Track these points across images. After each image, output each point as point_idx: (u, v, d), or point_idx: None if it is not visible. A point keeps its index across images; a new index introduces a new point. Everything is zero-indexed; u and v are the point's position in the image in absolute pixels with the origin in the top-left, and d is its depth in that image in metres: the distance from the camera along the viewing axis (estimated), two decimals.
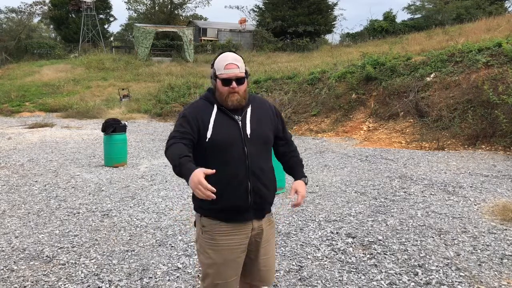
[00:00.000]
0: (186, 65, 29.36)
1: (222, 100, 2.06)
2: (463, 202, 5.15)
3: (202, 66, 28.24)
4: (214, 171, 1.78)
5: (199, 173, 1.72)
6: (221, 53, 2.10)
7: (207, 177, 1.76)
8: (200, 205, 2.08)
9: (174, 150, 1.90)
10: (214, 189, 1.72)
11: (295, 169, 2.27)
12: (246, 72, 2.07)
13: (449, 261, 3.50)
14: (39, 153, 9.25)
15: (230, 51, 2.12)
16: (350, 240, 4.02)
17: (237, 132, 2.03)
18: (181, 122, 2.04)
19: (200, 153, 2.02)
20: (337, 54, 19.57)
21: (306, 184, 2.21)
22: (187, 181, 1.77)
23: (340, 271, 3.38)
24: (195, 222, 2.22)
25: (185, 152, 1.88)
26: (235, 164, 2.00)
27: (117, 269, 3.49)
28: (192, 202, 2.22)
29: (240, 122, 2.05)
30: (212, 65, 2.10)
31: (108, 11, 44.45)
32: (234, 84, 2.01)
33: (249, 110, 2.09)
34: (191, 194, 2.16)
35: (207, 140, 1.99)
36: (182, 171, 1.82)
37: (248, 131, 2.04)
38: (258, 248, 2.14)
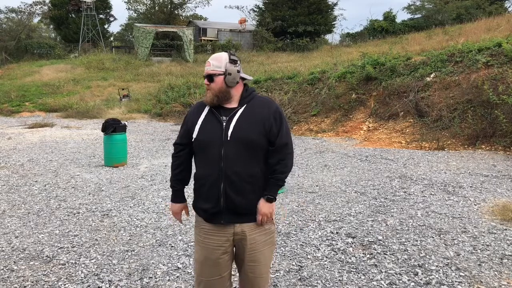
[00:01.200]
0: (186, 65, 29.36)
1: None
2: (463, 202, 5.15)
3: (202, 66, 28.16)
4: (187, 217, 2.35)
5: (177, 209, 2.34)
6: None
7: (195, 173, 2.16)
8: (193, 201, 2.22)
9: (172, 168, 2.30)
10: (183, 219, 2.07)
11: (266, 187, 2.13)
12: (225, 71, 2.04)
13: (449, 261, 3.50)
14: (39, 153, 9.25)
15: (225, 51, 2.15)
16: (350, 240, 4.02)
17: (218, 133, 2.03)
18: (182, 124, 2.28)
19: (194, 150, 2.19)
20: (337, 54, 19.55)
21: (271, 201, 2.09)
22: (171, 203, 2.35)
23: (340, 271, 3.38)
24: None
25: (177, 175, 2.28)
26: (211, 165, 2.04)
27: (117, 269, 3.49)
28: (191, 203, 2.28)
29: (224, 123, 2.04)
30: None
31: (108, 11, 44.42)
32: (206, 80, 2.08)
33: (240, 111, 2.06)
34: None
35: (193, 140, 2.11)
36: (172, 193, 2.34)
37: (229, 132, 2.01)
38: (244, 253, 2.11)
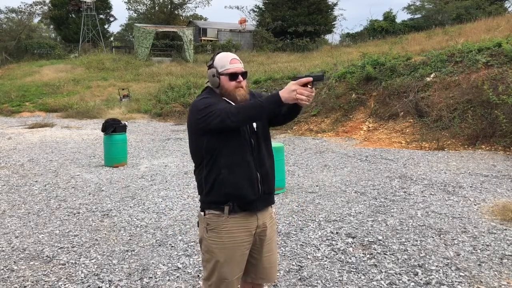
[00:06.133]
0: (186, 65, 29.37)
1: (228, 96, 2.10)
2: (463, 202, 5.15)
3: (202, 66, 28.21)
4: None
5: (288, 85, 1.87)
6: (218, 53, 2.14)
7: (221, 163, 2.03)
8: (209, 194, 2.07)
9: (241, 107, 1.94)
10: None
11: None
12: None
13: (449, 261, 3.50)
14: (39, 153, 9.25)
15: (230, 51, 2.16)
16: (350, 240, 4.02)
17: (245, 127, 2.08)
18: (211, 104, 1.99)
19: (215, 136, 2.02)
20: (337, 54, 19.54)
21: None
22: (277, 101, 1.85)
23: (340, 271, 3.38)
24: (198, 223, 2.22)
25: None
26: (243, 153, 2.06)
27: (117, 269, 3.49)
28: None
29: None
30: (211, 65, 2.11)
31: (108, 11, 44.44)
32: (240, 77, 2.07)
33: None
34: (202, 191, 2.12)
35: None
36: (267, 102, 1.88)
37: (255, 125, 2.12)
38: (262, 246, 2.17)
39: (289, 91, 1.83)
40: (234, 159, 2.04)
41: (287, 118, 2.21)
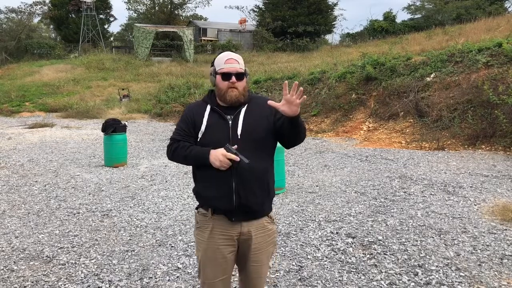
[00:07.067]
0: (186, 65, 29.37)
1: (220, 96, 2.06)
2: (463, 202, 5.15)
3: (202, 66, 28.24)
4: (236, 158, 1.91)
5: (220, 150, 1.94)
6: (222, 52, 2.14)
7: (197, 174, 2.08)
8: (197, 193, 2.14)
9: (180, 149, 2.07)
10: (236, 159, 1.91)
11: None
12: (245, 71, 2.08)
13: (449, 261, 3.50)
14: (39, 153, 9.25)
15: (230, 51, 2.14)
16: (350, 240, 4.02)
17: (225, 132, 2.01)
18: (179, 123, 2.15)
19: None
20: (337, 54, 19.55)
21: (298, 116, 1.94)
22: (206, 158, 1.96)
23: (340, 271, 3.38)
24: None
25: (191, 146, 2.06)
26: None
27: (117, 269, 3.49)
28: (191, 203, 2.25)
29: (230, 122, 2.03)
30: (212, 63, 2.12)
31: (108, 11, 44.47)
32: (233, 78, 2.01)
33: (243, 110, 2.05)
34: (192, 191, 2.19)
35: (198, 140, 2.06)
36: (194, 152, 2.02)
37: (239, 131, 2.01)
38: (248, 253, 2.10)
39: (216, 158, 1.93)
40: (207, 172, 2.00)
41: (292, 138, 2.06)
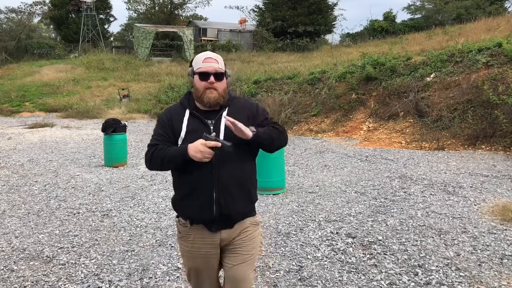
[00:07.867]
0: (186, 65, 29.25)
1: (198, 98, 1.96)
2: (463, 202, 5.15)
3: None
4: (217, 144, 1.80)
5: (199, 142, 1.81)
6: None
7: (178, 181, 2.00)
8: (175, 202, 2.08)
9: (158, 152, 1.93)
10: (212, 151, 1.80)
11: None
12: (225, 72, 1.97)
13: (449, 261, 3.50)
14: (39, 153, 9.25)
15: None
16: (350, 240, 4.02)
17: None
18: (156, 129, 2.04)
19: None
20: (337, 54, 19.55)
21: (255, 133, 1.88)
22: (185, 154, 1.83)
23: (340, 271, 3.38)
24: None
25: (167, 148, 1.94)
26: (200, 172, 1.91)
27: (117, 269, 3.49)
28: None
29: (212, 127, 1.94)
30: (191, 63, 2.01)
31: (108, 11, 44.45)
32: (212, 78, 1.90)
33: (224, 114, 1.96)
34: (171, 201, 2.15)
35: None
36: (172, 152, 1.89)
37: (221, 136, 1.91)
38: (231, 258, 2.03)
39: (196, 150, 1.80)
40: (187, 179, 1.94)
41: (266, 148, 2.00)
